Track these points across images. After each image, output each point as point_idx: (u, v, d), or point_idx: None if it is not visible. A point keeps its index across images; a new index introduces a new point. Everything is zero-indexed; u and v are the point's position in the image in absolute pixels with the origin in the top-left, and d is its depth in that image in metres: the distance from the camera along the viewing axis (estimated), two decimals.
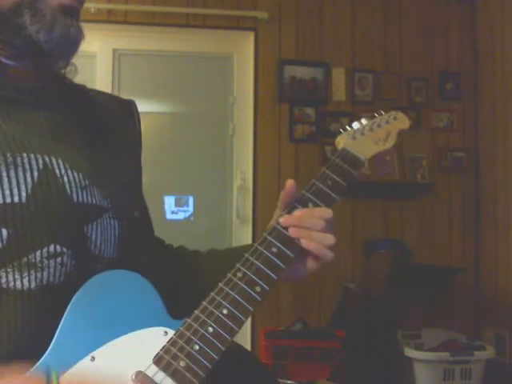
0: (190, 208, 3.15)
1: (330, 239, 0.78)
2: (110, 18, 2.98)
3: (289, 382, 2.30)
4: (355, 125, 0.90)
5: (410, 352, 2.58)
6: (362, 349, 2.57)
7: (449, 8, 3.27)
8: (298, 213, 0.79)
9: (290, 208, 0.80)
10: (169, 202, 3.13)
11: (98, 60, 3.02)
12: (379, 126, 0.90)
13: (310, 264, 0.80)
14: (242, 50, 3.15)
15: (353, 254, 3.03)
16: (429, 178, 3.16)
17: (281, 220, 0.78)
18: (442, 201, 3.19)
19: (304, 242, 0.77)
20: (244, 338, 2.85)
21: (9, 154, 0.70)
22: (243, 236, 3.05)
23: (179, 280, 0.93)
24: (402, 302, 2.87)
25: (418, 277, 2.85)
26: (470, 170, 3.21)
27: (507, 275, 2.92)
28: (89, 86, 0.92)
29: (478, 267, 3.15)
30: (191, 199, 3.16)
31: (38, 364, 0.65)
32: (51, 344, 0.66)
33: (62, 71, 0.85)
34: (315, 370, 2.45)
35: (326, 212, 0.79)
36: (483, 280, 3.12)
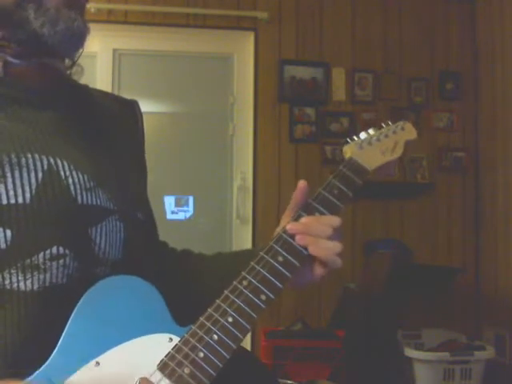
0: (190, 208, 3.15)
1: (336, 247, 0.77)
2: (109, 18, 2.97)
3: (289, 382, 2.30)
4: (362, 135, 0.90)
5: (410, 352, 2.58)
6: (362, 349, 2.57)
7: (448, 8, 3.27)
8: (304, 220, 0.78)
9: (296, 216, 0.79)
10: (169, 202, 3.13)
11: (98, 60, 3.02)
12: (386, 136, 0.91)
13: (318, 271, 0.79)
14: (242, 50, 3.14)
15: (353, 254, 3.03)
16: (429, 178, 3.16)
17: (287, 227, 0.78)
18: (441, 201, 3.19)
19: (312, 249, 0.76)
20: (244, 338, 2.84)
21: (13, 155, 0.69)
22: (243, 236, 3.05)
23: (182, 284, 0.93)
24: (402, 301, 2.87)
25: (418, 277, 2.85)
26: (470, 170, 3.22)
27: (507, 275, 2.92)
28: (90, 86, 0.92)
29: (478, 267, 3.16)
30: (191, 199, 3.16)
31: (43, 367, 0.65)
32: (56, 348, 0.66)
33: (68, 72, 0.85)
34: (315, 370, 2.45)
35: (334, 220, 0.78)
36: (483, 280, 3.12)
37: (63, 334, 0.67)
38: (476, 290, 3.14)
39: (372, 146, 0.89)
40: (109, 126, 0.88)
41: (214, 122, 3.18)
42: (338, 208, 0.81)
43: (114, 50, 3.06)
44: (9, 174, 0.68)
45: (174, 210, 3.13)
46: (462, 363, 2.57)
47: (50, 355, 0.66)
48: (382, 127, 0.93)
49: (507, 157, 2.96)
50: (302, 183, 0.82)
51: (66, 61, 0.84)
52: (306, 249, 0.77)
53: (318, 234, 0.77)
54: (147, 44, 3.09)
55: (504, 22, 3.01)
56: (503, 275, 2.96)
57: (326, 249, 0.77)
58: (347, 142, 0.89)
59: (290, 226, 0.78)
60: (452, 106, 3.25)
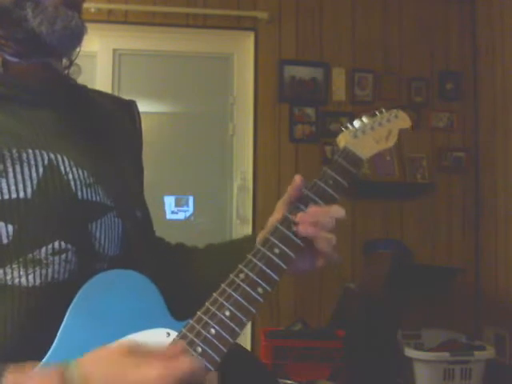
0: (190, 208, 3.16)
1: (333, 239, 0.77)
2: (110, 18, 2.98)
3: (289, 382, 2.30)
4: (356, 123, 0.89)
5: (410, 352, 2.58)
6: (362, 349, 2.57)
7: (448, 8, 3.27)
8: (313, 209, 0.78)
9: (292, 207, 0.79)
10: (169, 202, 3.13)
11: (98, 60, 3.02)
12: (380, 124, 0.90)
13: (317, 262, 0.80)
14: (242, 50, 3.15)
15: (353, 254, 3.03)
16: (429, 178, 3.16)
17: (298, 216, 0.77)
18: (441, 201, 3.19)
19: (316, 242, 0.76)
20: (244, 338, 2.85)
21: (14, 150, 0.70)
22: None
23: (179, 278, 0.93)
24: (402, 302, 2.87)
25: (418, 277, 2.85)
26: (470, 170, 3.22)
27: (507, 275, 2.92)
28: (89, 86, 0.92)
29: (478, 267, 3.15)
30: (191, 199, 3.16)
31: (41, 363, 0.65)
32: (53, 344, 0.66)
33: (66, 71, 0.85)
34: (315, 370, 2.45)
35: (340, 211, 0.78)
36: (483, 280, 3.12)
37: (60, 330, 0.67)
38: (476, 290, 3.14)
39: (366, 135, 0.88)
40: (107, 126, 0.88)
41: (214, 122, 3.18)
42: (335, 199, 0.80)
43: (114, 50, 3.06)
44: (10, 169, 0.69)
45: (174, 209, 3.13)
46: (462, 363, 2.57)
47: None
48: (376, 115, 0.92)
49: (507, 157, 2.96)
50: (298, 179, 0.81)
51: (64, 60, 0.84)
52: (301, 240, 0.77)
53: (324, 225, 0.76)
54: (147, 44, 3.09)
55: (504, 22, 3.01)
56: (503, 275, 2.96)
57: (327, 241, 0.77)
58: (341, 131, 0.89)
59: (301, 216, 0.77)
60: (452, 105, 3.25)
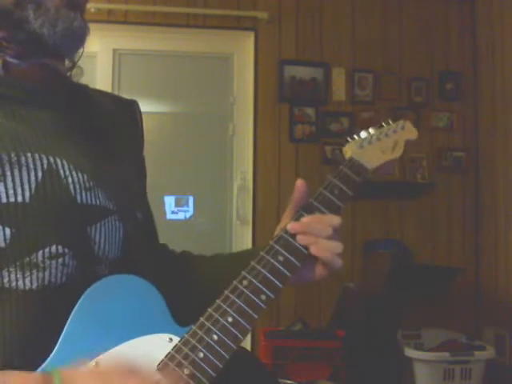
0: (190, 208, 3.15)
1: (337, 247, 0.77)
2: (110, 18, 2.97)
3: (289, 382, 2.30)
4: (363, 134, 0.90)
5: (410, 352, 2.58)
6: (362, 349, 2.57)
7: (448, 8, 3.27)
8: (305, 219, 0.78)
9: (297, 216, 0.79)
10: (169, 202, 3.13)
11: (98, 60, 3.02)
12: (387, 135, 0.90)
13: (319, 272, 0.80)
14: (242, 50, 3.14)
15: (353, 254, 3.03)
16: (429, 178, 3.16)
17: (288, 226, 0.77)
18: (441, 201, 3.19)
19: (313, 249, 0.76)
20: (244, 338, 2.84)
21: (13, 154, 0.69)
22: (243, 236, 3.05)
23: (183, 284, 0.92)
24: (402, 302, 2.87)
25: (418, 277, 2.85)
26: (470, 170, 3.21)
27: (507, 275, 2.92)
28: (89, 86, 0.92)
29: (478, 267, 3.15)
30: (191, 199, 3.16)
31: (42, 366, 0.64)
32: (55, 349, 0.66)
33: (68, 73, 0.85)
34: (315, 370, 2.45)
35: (334, 219, 0.78)
36: (483, 280, 3.12)
37: (62, 335, 0.66)
38: (476, 290, 3.14)
39: (372, 145, 0.88)
40: (108, 126, 0.88)
41: (214, 122, 3.18)
42: (339, 208, 0.81)
43: (114, 50, 3.06)
44: (8, 173, 0.68)
45: (174, 209, 3.13)
46: (462, 363, 2.57)
47: (48, 355, 0.65)
48: (383, 126, 0.92)
49: (507, 157, 2.96)
50: (299, 183, 0.82)
51: (66, 62, 0.84)
52: (306, 248, 0.77)
53: (318, 234, 0.77)
54: (147, 44, 3.09)
55: (504, 22, 3.01)
56: (503, 275, 2.96)
57: (327, 249, 0.77)
58: (347, 141, 0.89)
59: (291, 226, 0.78)
60: (452, 106, 3.24)
